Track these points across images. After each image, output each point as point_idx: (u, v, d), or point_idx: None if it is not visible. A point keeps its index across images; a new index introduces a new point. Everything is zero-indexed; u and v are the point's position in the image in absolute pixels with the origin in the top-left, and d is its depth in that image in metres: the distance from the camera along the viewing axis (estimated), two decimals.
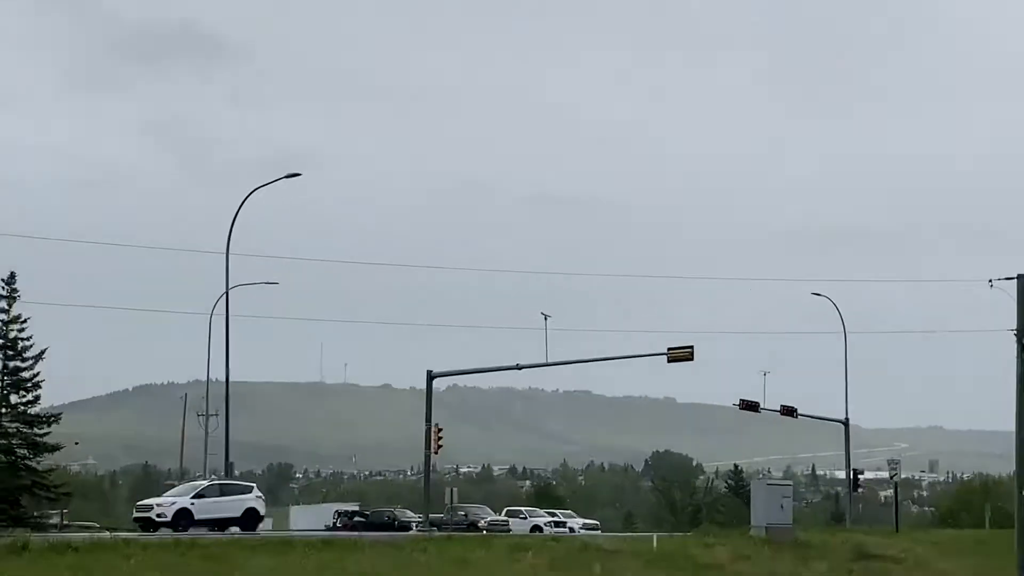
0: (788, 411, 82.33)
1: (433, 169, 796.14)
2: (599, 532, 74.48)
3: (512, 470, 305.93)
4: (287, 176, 62.42)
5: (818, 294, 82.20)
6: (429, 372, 72.76)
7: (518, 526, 76.46)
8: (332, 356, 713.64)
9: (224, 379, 61.75)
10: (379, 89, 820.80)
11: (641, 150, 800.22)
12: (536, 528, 75.22)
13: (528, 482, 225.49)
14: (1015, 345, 44.96)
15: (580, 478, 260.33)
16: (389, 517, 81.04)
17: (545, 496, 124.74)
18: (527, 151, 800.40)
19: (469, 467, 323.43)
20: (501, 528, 74.21)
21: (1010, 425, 45.52)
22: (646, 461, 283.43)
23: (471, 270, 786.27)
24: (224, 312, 62.02)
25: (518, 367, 74.43)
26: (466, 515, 79.64)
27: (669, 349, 67.19)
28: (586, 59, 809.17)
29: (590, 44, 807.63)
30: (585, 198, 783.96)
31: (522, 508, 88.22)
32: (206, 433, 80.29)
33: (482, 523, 76.73)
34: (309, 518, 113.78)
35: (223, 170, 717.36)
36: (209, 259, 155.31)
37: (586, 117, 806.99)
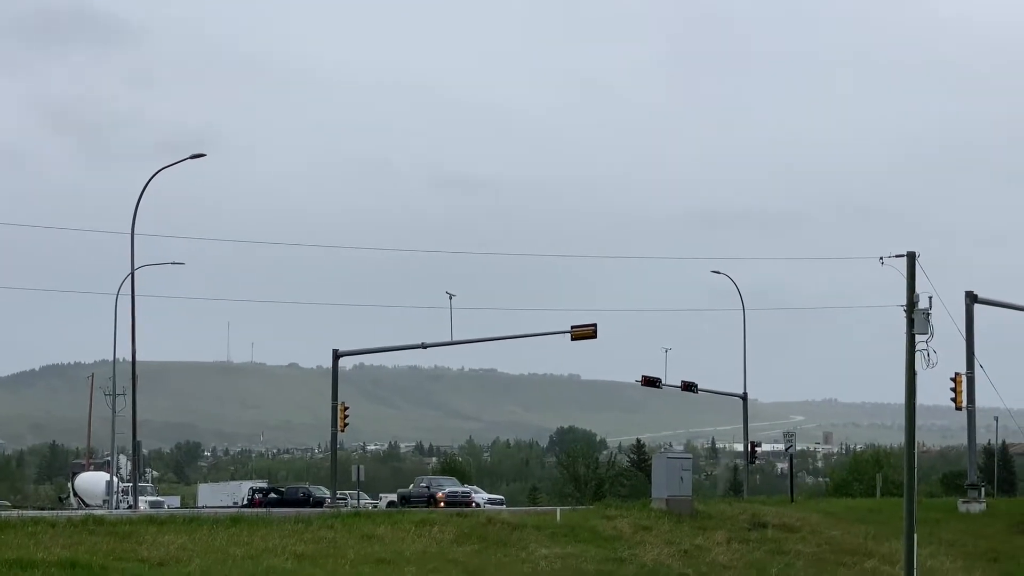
0: (688, 387, 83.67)
1: (340, 150, 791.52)
2: (504, 507, 75.43)
3: (419, 447, 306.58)
4: (192, 157, 62.29)
5: (717, 272, 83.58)
6: (335, 351, 73.08)
7: None
8: (239, 336, 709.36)
9: (131, 359, 61.74)
10: (281, 71, 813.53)
11: (546, 133, 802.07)
12: None
13: (434, 459, 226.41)
14: (905, 320, 46.34)
15: (486, 454, 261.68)
16: (303, 493, 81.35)
17: (451, 472, 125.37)
18: (432, 132, 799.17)
19: (376, 444, 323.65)
20: (462, 500, 73.22)
21: (901, 398, 46.95)
22: (550, 437, 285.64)
23: (377, 250, 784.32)
24: (130, 292, 61.96)
25: (423, 346, 75.04)
26: (428, 487, 79.06)
27: (573, 327, 68.11)
28: (490, 43, 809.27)
29: (493, 28, 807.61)
30: (492, 178, 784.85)
31: None
32: (113, 413, 79.92)
33: (440, 495, 75.67)
34: (217, 495, 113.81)
35: (125, 151, 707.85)
36: (115, 240, 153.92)
37: (492, 99, 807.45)
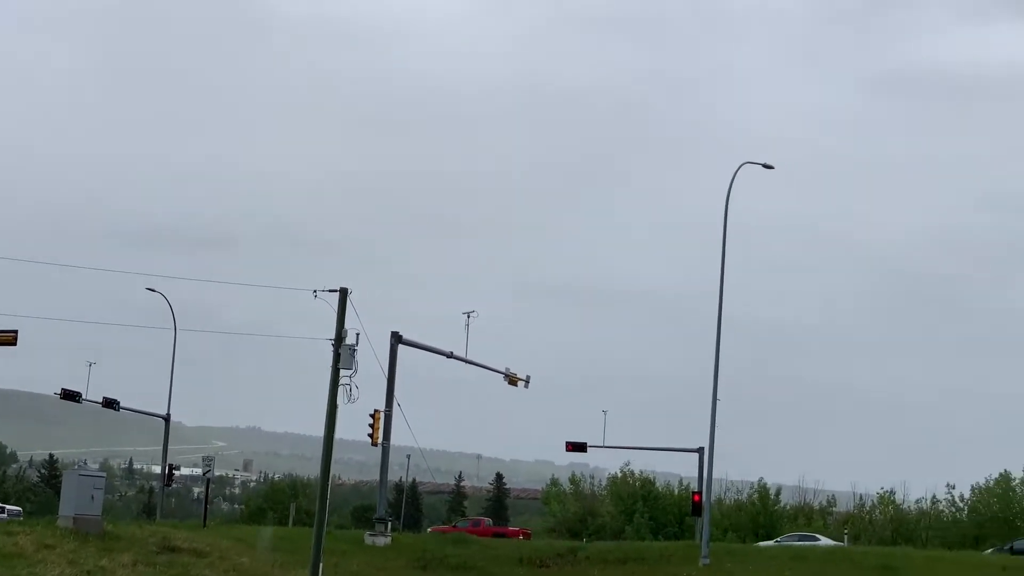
0: (110, 403, 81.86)
1: None
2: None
3: None
4: None
5: (152, 289, 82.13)
6: None
7: None
8: None
9: None
10: None
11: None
12: None
13: None
14: (332, 354, 47.37)
15: None
16: None
17: None
18: None
19: None
20: None
21: (323, 430, 47.81)
22: None
23: None
24: None
25: None
26: None
27: None
28: None
29: None
30: None
31: None
32: None
33: None
34: None
35: None
36: None
37: None
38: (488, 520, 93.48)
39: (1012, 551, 76.47)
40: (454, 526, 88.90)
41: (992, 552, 78.10)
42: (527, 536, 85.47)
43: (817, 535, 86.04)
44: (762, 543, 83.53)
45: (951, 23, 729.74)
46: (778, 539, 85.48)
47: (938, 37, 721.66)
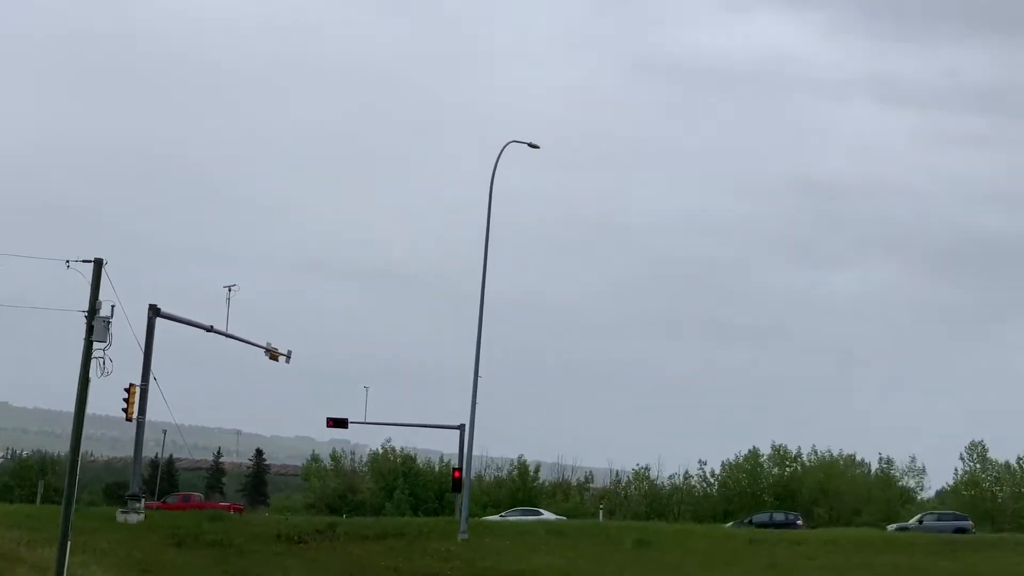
0: None
1: None
2: None
3: None
4: None
5: None
6: None
7: None
8: None
9: None
10: None
11: None
12: None
13: None
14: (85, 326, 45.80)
15: None
16: None
17: None
18: None
19: None
20: None
21: (73, 406, 46.31)
22: None
23: None
24: None
25: None
26: None
27: None
28: None
29: None
30: None
31: None
32: None
33: None
34: None
35: None
36: None
37: None
38: (199, 495, 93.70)
39: (752, 524, 79.82)
40: (163, 502, 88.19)
41: (733, 525, 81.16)
42: (239, 511, 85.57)
43: (541, 509, 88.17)
44: (487, 517, 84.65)
45: (713, 10, 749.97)
46: (503, 513, 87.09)
47: (699, 24, 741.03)
